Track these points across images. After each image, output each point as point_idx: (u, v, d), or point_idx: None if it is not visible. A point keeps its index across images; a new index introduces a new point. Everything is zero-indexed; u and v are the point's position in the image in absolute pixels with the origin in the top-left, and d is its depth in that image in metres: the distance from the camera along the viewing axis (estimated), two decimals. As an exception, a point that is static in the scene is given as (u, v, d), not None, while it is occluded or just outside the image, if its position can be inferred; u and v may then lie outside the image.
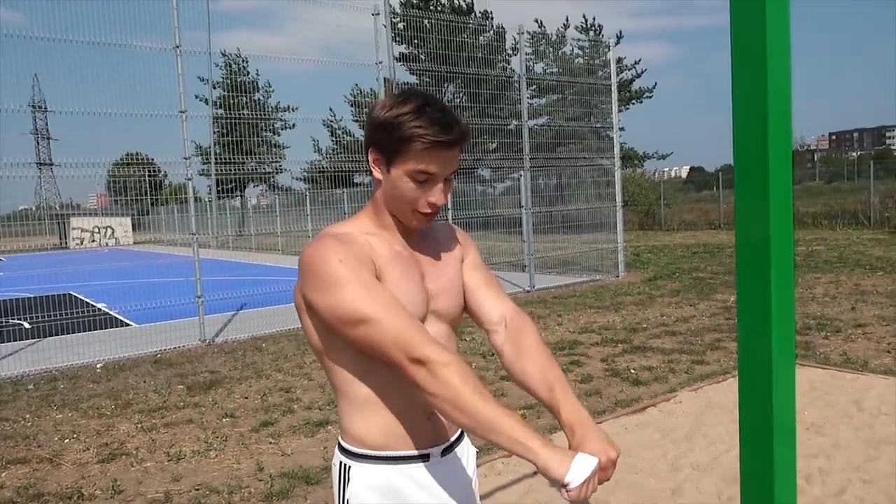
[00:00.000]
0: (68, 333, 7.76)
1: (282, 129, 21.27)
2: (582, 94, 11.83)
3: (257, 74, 20.62)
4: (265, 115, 18.48)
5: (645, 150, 28.01)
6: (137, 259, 19.83)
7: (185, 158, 7.31)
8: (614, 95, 11.30)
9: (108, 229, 23.66)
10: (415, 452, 1.24)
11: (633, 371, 5.16)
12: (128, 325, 8.62)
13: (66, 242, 22.05)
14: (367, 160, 1.23)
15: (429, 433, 1.26)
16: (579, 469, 1.01)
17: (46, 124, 47.08)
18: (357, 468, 1.24)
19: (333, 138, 21.10)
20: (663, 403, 4.30)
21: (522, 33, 10.59)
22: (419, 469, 1.25)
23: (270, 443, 4.06)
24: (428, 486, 1.25)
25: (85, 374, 6.11)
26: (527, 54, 14.89)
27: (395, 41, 15.34)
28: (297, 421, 4.42)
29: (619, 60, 23.92)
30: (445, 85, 13.32)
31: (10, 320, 9.33)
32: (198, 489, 3.43)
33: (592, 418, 1.16)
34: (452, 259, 1.35)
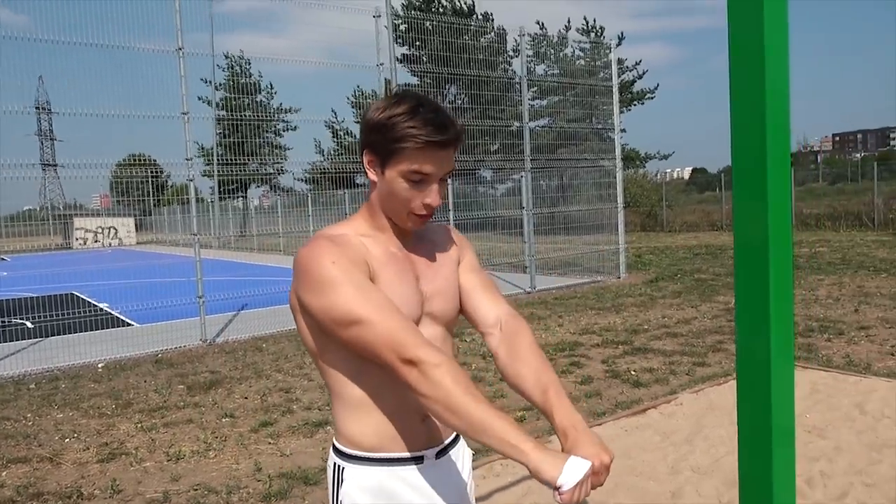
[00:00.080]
0: (70, 333, 7.77)
1: (284, 131, 21.30)
2: (583, 95, 11.83)
3: (260, 76, 20.62)
4: (267, 116, 18.51)
5: (647, 150, 28.02)
6: (140, 259, 19.88)
7: (187, 159, 7.32)
8: (615, 97, 11.29)
9: (112, 229, 23.73)
10: (408, 454, 1.24)
11: (633, 373, 5.15)
12: (129, 324, 8.63)
13: (69, 242, 22.12)
14: (363, 162, 1.23)
15: (423, 435, 1.25)
16: (572, 472, 1.00)
17: (51, 125, 47.19)
18: (350, 469, 1.24)
19: (335, 140, 21.13)
20: (664, 405, 4.28)
21: (524, 35, 10.60)
22: (412, 471, 1.24)
23: (269, 443, 4.06)
24: (421, 489, 1.24)
25: (86, 373, 6.12)
26: (528, 56, 14.90)
27: (397, 43, 15.35)
28: (296, 421, 4.42)
29: (621, 62, 23.92)
30: (447, 86, 13.34)
31: (13, 320, 9.35)
32: (196, 489, 3.43)
33: (591, 420, 1.15)
34: (448, 261, 1.34)
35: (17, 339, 7.82)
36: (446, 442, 1.31)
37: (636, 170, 25.91)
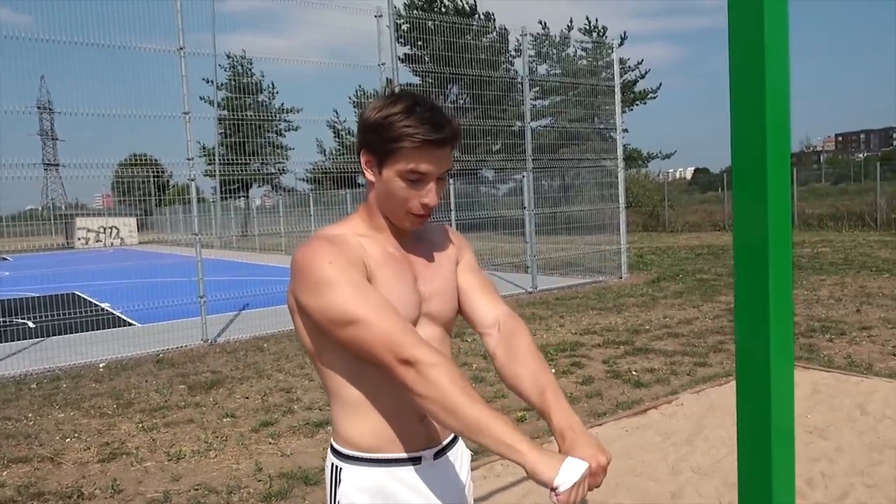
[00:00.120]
0: (72, 333, 7.78)
1: (286, 131, 21.32)
2: (585, 95, 11.82)
3: (261, 76, 20.64)
4: (269, 116, 18.54)
5: (649, 150, 27.99)
6: (142, 259, 19.90)
7: (188, 159, 7.33)
8: (617, 97, 11.28)
9: (114, 229, 23.74)
10: (406, 455, 1.24)
11: (634, 373, 5.14)
12: (131, 324, 8.64)
13: (71, 242, 22.14)
14: (360, 162, 1.23)
15: (421, 436, 1.25)
16: (568, 473, 1.00)
17: (52, 125, 47.28)
18: (348, 470, 1.23)
19: (337, 139, 21.14)
20: (665, 406, 4.28)
21: (525, 35, 10.59)
22: (410, 472, 1.24)
23: (270, 443, 4.06)
24: (418, 489, 1.24)
25: (88, 373, 6.13)
26: (530, 56, 14.88)
27: (399, 43, 15.36)
28: (297, 421, 4.42)
29: (623, 61, 23.91)
30: (449, 86, 13.33)
31: (15, 319, 9.37)
32: (197, 489, 3.43)
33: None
34: (447, 261, 1.33)
35: (19, 339, 7.83)
36: (444, 443, 1.30)
37: (638, 170, 25.89)
